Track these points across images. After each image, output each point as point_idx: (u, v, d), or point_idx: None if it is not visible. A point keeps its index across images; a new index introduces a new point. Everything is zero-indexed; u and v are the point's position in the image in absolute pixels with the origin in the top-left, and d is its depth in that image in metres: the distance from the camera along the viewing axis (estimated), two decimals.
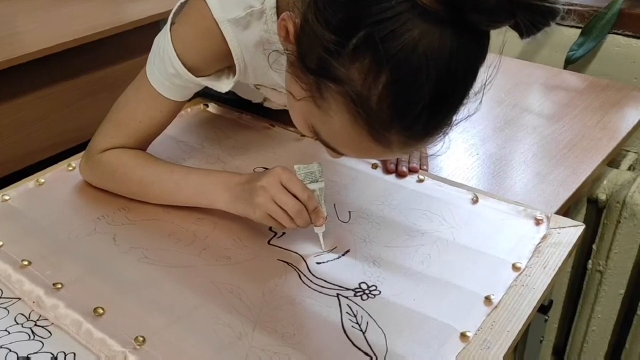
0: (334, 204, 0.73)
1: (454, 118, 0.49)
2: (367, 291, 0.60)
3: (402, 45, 0.44)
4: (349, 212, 0.72)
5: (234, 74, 0.68)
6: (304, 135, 0.83)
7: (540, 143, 0.88)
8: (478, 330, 0.56)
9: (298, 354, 0.53)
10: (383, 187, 0.76)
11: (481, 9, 0.43)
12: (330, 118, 0.50)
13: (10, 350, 0.54)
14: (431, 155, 0.81)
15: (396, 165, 0.79)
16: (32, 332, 0.56)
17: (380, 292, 0.60)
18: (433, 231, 0.68)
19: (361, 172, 0.79)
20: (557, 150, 0.86)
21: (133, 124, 0.71)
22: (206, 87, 0.71)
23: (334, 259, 0.65)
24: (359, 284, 0.61)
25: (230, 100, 0.93)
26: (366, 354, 0.54)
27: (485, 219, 0.70)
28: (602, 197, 0.97)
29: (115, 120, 0.72)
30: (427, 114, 0.47)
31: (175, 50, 0.65)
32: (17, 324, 0.57)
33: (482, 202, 0.73)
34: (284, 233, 0.68)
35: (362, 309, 0.58)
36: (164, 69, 0.67)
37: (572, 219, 0.71)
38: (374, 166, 0.80)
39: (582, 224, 0.68)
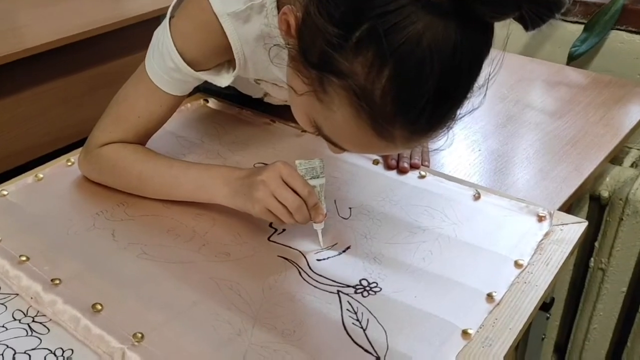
0: (335, 200, 0.72)
1: (458, 112, 0.49)
2: (367, 288, 0.60)
3: (406, 38, 0.43)
4: (350, 208, 0.71)
5: (234, 68, 0.68)
6: (304, 131, 0.82)
7: (543, 139, 0.87)
8: (480, 327, 0.55)
9: (298, 351, 0.53)
10: (384, 183, 0.76)
11: (486, 0, 0.42)
12: (333, 113, 0.49)
13: (7, 347, 0.54)
14: (434, 150, 0.81)
15: (397, 161, 0.78)
16: (30, 328, 0.56)
17: (381, 289, 0.60)
18: (435, 228, 0.68)
19: (362, 168, 0.78)
20: (559, 146, 0.85)
21: (132, 118, 0.70)
22: (206, 82, 0.70)
23: (335, 256, 0.64)
24: (360, 281, 0.61)
25: (230, 95, 0.93)
26: (367, 351, 0.53)
27: (488, 216, 0.70)
28: (605, 194, 0.96)
29: (114, 114, 0.71)
30: (431, 107, 0.46)
31: (174, 44, 0.65)
32: (15, 320, 0.56)
33: (484, 199, 0.72)
34: (284, 230, 0.68)
35: (363, 305, 0.58)
36: (163, 63, 0.66)
37: (575, 216, 0.70)
38: (375, 162, 0.79)
39: (585, 220, 0.68)
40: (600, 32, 1.14)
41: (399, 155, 0.79)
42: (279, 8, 0.62)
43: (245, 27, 0.64)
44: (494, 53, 0.49)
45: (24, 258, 0.62)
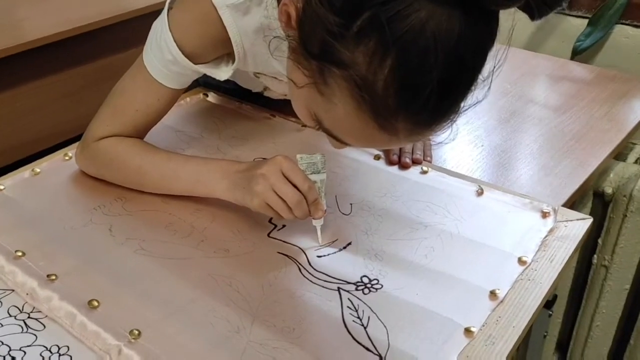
0: (335, 196, 0.71)
1: (462, 105, 0.48)
2: (368, 285, 0.59)
3: (409, 27, 0.42)
4: (351, 204, 0.70)
5: (233, 61, 0.67)
6: (305, 126, 0.81)
7: (547, 135, 0.86)
8: (483, 325, 0.54)
9: (297, 349, 0.52)
10: (386, 179, 0.75)
11: None
12: (334, 105, 0.48)
13: (2, 343, 0.53)
14: (438, 143, 0.79)
15: (399, 157, 0.77)
16: (26, 324, 0.55)
17: (382, 286, 0.59)
18: (437, 224, 0.67)
19: (363, 163, 0.78)
20: (563, 142, 0.84)
21: (130, 112, 0.69)
22: (205, 76, 0.69)
23: (335, 252, 0.63)
24: (361, 278, 0.60)
25: (230, 89, 0.92)
26: (368, 349, 0.52)
27: (491, 212, 0.69)
28: (609, 190, 0.95)
29: (112, 107, 0.71)
30: (435, 99, 0.45)
31: (172, 36, 0.64)
32: (10, 316, 0.56)
33: (487, 194, 0.71)
34: (284, 225, 0.67)
35: (364, 303, 0.57)
36: (161, 55, 0.65)
37: (577, 212, 0.70)
38: (377, 157, 0.78)
39: (589, 217, 0.67)
40: (605, 27, 1.13)
41: (400, 150, 0.78)
42: (278, 0, 0.61)
43: (245, 19, 0.63)
44: (497, 47, 0.47)
45: (19, 253, 0.61)
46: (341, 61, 0.45)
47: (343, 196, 0.71)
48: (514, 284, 0.58)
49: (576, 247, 0.63)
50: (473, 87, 0.47)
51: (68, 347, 0.53)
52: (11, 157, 1.11)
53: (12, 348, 0.52)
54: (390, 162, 0.77)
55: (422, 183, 0.74)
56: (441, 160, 0.80)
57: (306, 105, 0.52)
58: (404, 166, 0.76)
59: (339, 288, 0.59)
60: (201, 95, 0.93)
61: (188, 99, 0.92)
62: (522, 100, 0.95)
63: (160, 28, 0.65)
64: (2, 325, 0.54)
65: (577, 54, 1.15)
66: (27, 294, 0.57)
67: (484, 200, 0.71)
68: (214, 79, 0.69)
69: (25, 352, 0.52)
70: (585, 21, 1.15)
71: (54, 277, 0.58)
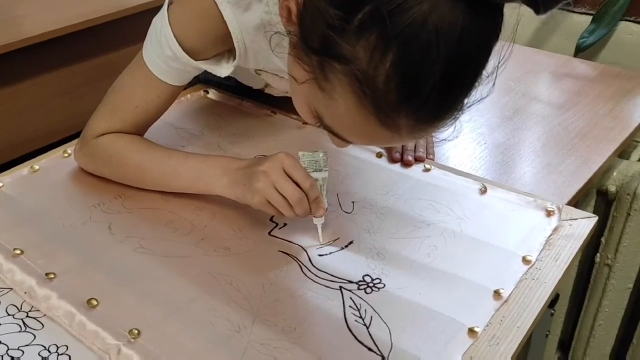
0: (337, 194, 0.70)
1: (466, 101, 0.47)
2: (371, 284, 0.58)
3: (411, 20, 0.41)
4: (353, 202, 0.70)
5: (234, 58, 0.66)
6: (306, 123, 0.81)
7: (550, 132, 0.85)
8: (487, 325, 0.53)
9: (299, 349, 0.51)
10: (388, 177, 0.74)
11: None
12: (335, 101, 0.47)
13: (0, 343, 0.52)
14: (441, 141, 0.79)
15: (402, 154, 0.77)
16: (24, 323, 0.54)
17: (384, 285, 0.58)
18: (440, 222, 0.66)
19: (365, 161, 0.77)
20: (567, 140, 0.84)
21: (129, 108, 0.69)
22: (206, 73, 0.68)
23: (337, 251, 0.62)
24: (363, 277, 0.59)
25: (230, 86, 0.91)
26: (370, 349, 0.52)
27: (494, 210, 0.68)
28: (612, 188, 0.95)
29: (111, 104, 0.70)
30: (438, 94, 0.44)
31: (172, 32, 0.63)
32: (8, 315, 0.55)
33: (491, 193, 0.71)
34: (285, 224, 0.66)
35: (366, 302, 0.56)
36: (161, 51, 0.65)
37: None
38: (379, 155, 0.78)
39: (594, 215, 0.66)
40: (609, 23, 1.12)
41: (403, 148, 0.77)
42: None
43: (246, 15, 0.62)
44: (501, 44, 0.46)
45: (18, 251, 0.61)
46: (342, 56, 0.44)
47: (345, 194, 0.71)
48: (518, 284, 0.58)
49: (581, 246, 0.63)
50: (477, 83, 0.46)
51: (67, 346, 0.52)
52: (10, 155, 1.10)
53: (10, 347, 0.52)
54: (392, 160, 0.77)
55: (424, 181, 0.73)
56: (444, 158, 0.79)
57: (307, 102, 0.52)
58: (406, 164, 0.76)
59: (340, 287, 0.58)
60: (202, 92, 0.92)
61: (188, 95, 0.91)
62: (526, 98, 0.95)
63: (160, 24, 0.64)
64: (0, 324, 0.54)
65: (581, 51, 1.15)
66: (25, 292, 0.57)
67: (488, 199, 0.70)
68: (214, 75, 0.68)
69: (23, 352, 0.52)
70: (589, 18, 1.14)
71: (52, 276, 0.58)
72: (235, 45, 0.64)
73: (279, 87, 0.79)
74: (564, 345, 1.12)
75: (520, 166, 0.78)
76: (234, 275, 0.59)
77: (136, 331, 0.52)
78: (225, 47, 0.66)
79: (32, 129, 1.17)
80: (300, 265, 0.61)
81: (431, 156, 0.78)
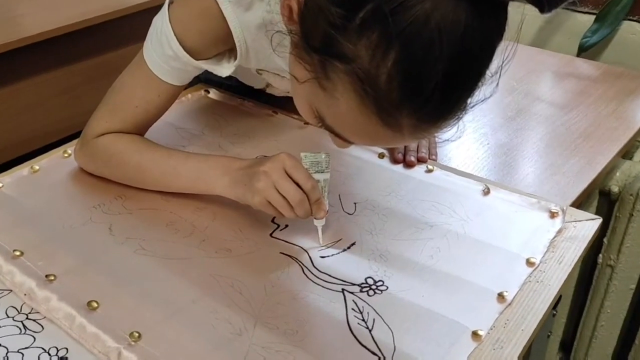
0: (339, 195, 0.70)
1: (469, 100, 0.46)
2: (373, 286, 0.58)
3: (413, 18, 0.41)
4: (355, 203, 0.69)
5: (235, 57, 0.65)
6: (307, 123, 0.80)
7: (553, 133, 0.85)
8: (490, 329, 0.53)
9: (301, 352, 0.51)
10: (390, 177, 0.73)
11: None
12: (336, 100, 0.47)
13: (0, 345, 0.52)
14: (444, 141, 0.78)
15: (404, 155, 0.76)
16: (24, 325, 0.54)
17: (387, 287, 0.57)
18: (442, 224, 0.66)
19: (367, 162, 0.76)
20: (570, 140, 0.83)
21: (129, 108, 0.68)
22: (207, 72, 0.68)
23: (339, 253, 0.62)
24: (365, 279, 0.58)
25: (231, 86, 0.90)
26: (373, 352, 0.51)
27: (497, 212, 0.67)
28: (615, 189, 0.94)
29: (111, 104, 0.69)
30: (440, 93, 0.43)
31: (173, 31, 0.62)
32: (8, 317, 0.55)
33: (494, 194, 0.70)
34: (286, 225, 0.65)
35: (369, 305, 0.55)
36: (162, 51, 0.64)
37: (584, 211, 0.68)
38: (381, 156, 0.77)
39: (599, 217, 0.66)
40: (612, 23, 1.11)
41: (405, 148, 0.76)
42: None
43: (247, 15, 0.62)
44: (505, 43, 0.46)
45: (17, 253, 0.60)
46: (343, 54, 0.44)
47: (347, 195, 0.70)
48: (522, 286, 0.57)
49: (585, 248, 0.62)
50: (480, 83, 0.46)
51: (67, 349, 0.52)
52: (10, 154, 1.10)
53: (10, 350, 0.51)
54: (394, 161, 0.76)
55: (427, 182, 0.73)
56: (446, 159, 0.79)
57: (308, 101, 0.51)
58: (408, 165, 0.75)
59: (343, 289, 0.57)
60: (202, 92, 0.92)
61: (189, 95, 0.91)
62: (529, 98, 0.94)
63: (160, 23, 0.64)
64: (0, 327, 0.54)
65: (584, 51, 1.14)
66: (25, 294, 0.56)
67: (491, 200, 0.69)
68: (215, 75, 0.68)
69: (23, 354, 0.51)
70: (592, 17, 1.14)
71: (52, 278, 0.57)
72: (237, 44, 0.64)
73: (280, 87, 0.78)
74: (566, 346, 1.11)
75: (524, 167, 0.78)
76: (235, 277, 0.58)
77: (137, 334, 0.52)
78: (226, 47, 0.66)
79: (31, 128, 1.16)
80: (302, 267, 0.60)
81: (434, 157, 0.78)
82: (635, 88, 0.96)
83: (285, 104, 0.84)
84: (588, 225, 0.65)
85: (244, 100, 0.89)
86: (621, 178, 0.94)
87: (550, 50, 1.13)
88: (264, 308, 0.55)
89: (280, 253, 0.62)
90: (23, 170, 0.74)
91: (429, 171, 0.74)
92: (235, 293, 0.57)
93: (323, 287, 0.58)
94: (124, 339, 0.51)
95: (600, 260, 1.00)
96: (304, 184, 0.58)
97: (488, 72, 0.46)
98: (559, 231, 0.64)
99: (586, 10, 1.16)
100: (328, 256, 0.61)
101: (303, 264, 0.60)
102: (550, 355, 1.10)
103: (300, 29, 0.47)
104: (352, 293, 0.57)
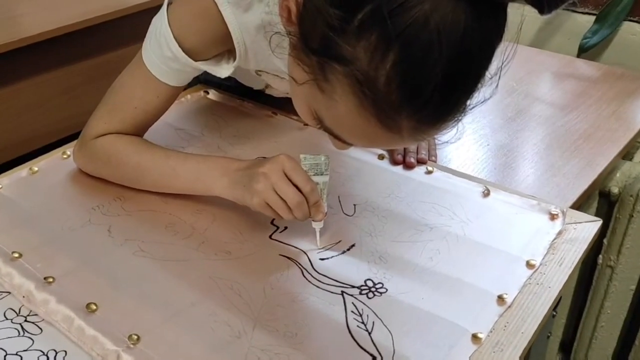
0: (339, 196, 0.70)
1: (468, 102, 0.46)
2: (373, 289, 0.57)
3: (412, 20, 0.40)
4: (354, 205, 0.69)
5: (234, 58, 0.65)
6: (307, 124, 0.80)
7: (554, 134, 0.85)
8: (490, 331, 0.53)
9: (300, 354, 0.51)
10: (390, 179, 0.73)
11: None
12: (335, 102, 0.46)
13: None
14: (443, 143, 0.78)
15: (404, 156, 0.76)
16: (22, 328, 0.54)
17: (387, 289, 0.57)
18: (442, 225, 0.65)
19: (367, 163, 0.76)
20: (571, 141, 0.83)
21: (128, 109, 0.68)
22: (206, 73, 0.68)
23: (338, 254, 0.62)
24: (365, 281, 0.58)
25: (231, 87, 0.90)
26: (372, 355, 0.51)
27: (497, 213, 0.67)
28: (615, 190, 0.94)
29: (110, 104, 0.69)
30: (439, 95, 0.43)
31: (172, 32, 0.62)
32: (7, 319, 0.54)
33: (494, 195, 0.70)
34: (286, 227, 0.65)
35: (368, 307, 0.55)
36: (161, 51, 0.64)
37: (583, 212, 0.68)
38: (381, 157, 0.77)
39: (599, 219, 0.66)
40: (612, 24, 1.11)
41: (405, 149, 0.76)
42: None
43: (246, 16, 0.62)
44: (504, 44, 0.46)
45: (16, 255, 0.60)
46: (342, 56, 0.43)
47: (346, 197, 0.70)
48: (522, 289, 0.57)
49: (585, 250, 0.62)
50: (480, 84, 0.46)
51: (65, 352, 0.51)
52: (8, 155, 1.09)
53: (8, 352, 0.51)
54: (394, 162, 0.76)
55: (427, 183, 0.72)
56: (446, 160, 0.79)
57: (307, 103, 0.51)
58: (408, 166, 0.75)
59: (342, 292, 0.57)
60: (202, 93, 0.92)
61: (188, 96, 0.90)
62: (529, 99, 0.94)
63: (159, 24, 0.63)
64: None
65: (584, 52, 1.14)
66: (23, 296, 0.56)
67: (491, 202, 0.69)
68: (214, 76, 0.68)
69: (21, 357, 0.51)
70: (592, 18, 1.13)
71: (51, 280, 0.57)
72: (236, 45, 0.64)
73: (279, 88, 0.78)
74: (566, 347, 1.11)
75: (524, 168, 0.78)
76: (234, 279, 0.58)
77: (135, 336, 0.51)
78: (225, 48, 0.66)
79: (31, 128, 1.16)
80: (301, 270, 0.60)
81: (433, 158, 0.77)
82: (635, 89, 0.96)
83: (284, 105, 0.84)
84: (588, 227, 0.64)
85: (244, 101, 0.89)
86: (621, 179, 0.94)
87: (550, 51, 1.13)
88: (263, 310, 0.55)
89: (280, 255, 0.62)
90: (22, 171, 0.74)
91: (429, 172, 0.74)
92: (235, 295, 0.56)
93: (322, 289, 0.57)
94: (122, 341, 0.51)
95: (600, 261, 1.00)
96: (302, 186, 0.58)
97: (487, 73, 0.46)
98: (559, 233, 0.64)
99: (586, 10, 1.15)
100: (327, 258, 0.61)
101: (302, 266, 0.60)
102: (550, 355, 1.10)
103: (298, 31, 0.47)
104: (351, 295, 0.57)
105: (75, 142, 0.73)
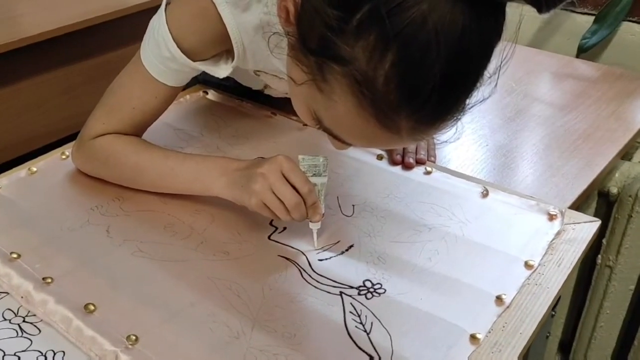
0: (337, 197, 0.70)
1: (467, 102, 0.46)
2: (371, 289, 0.57)
3: (410, 20, 0.40)
4: (353, 205, 0.69)
5: (233, 58, 0.65)
6: (306, 125, 0.80)
7: (553, 134, 0.85)
8: (489, 332, 0.53)
9: (298, 355, 0.51)
10: (389, 179, 0.73)
11: None
12: (334, 103, 0.46)
13: None
14: (443, 142, 0.78)
15: (402, 157, 0.76)
16: (21, 328, 0.54)
17: (385, 290, 0.57)
18: (441, 226, 0.65)
19: (366, 164, 0.76)
20: (570, 141, 0.83)
21: (126, 109, 0.68)
22: (205, 74, 0.67)
23: (337, 255, 0.62)
24: (363, 282, 0.58)
25: (230, 87, 0.90)
26: (370, 356, 0.51)
27: (496, 214, 0.67)
28: (614, 190, 0.94)
29: (109, 105, 0.69)
30: (438, 95, 0.43)
31: (170, 32, 0.62)
32: (5, 319, 0.54)
33: (493, 196, 0.70)
34: (284, 228, 0.65)
35: (367, 308, 0.55)
36: (159, 52, 0.64)
37: (582, 213, 0.68)
38: (380, 157, 0.77)
39: (597, 219, 0.66)
40: (611, 24, 1.11)
41: (404, 150, 0.76)
42: None
43: (244, 16, 0.62)
44: (503, 44, 0.46)
45: (15, 255, 0.60)
46: (340, 57, 0.43)
47: (345, 197, 0.70)
48: (521, 289, 0.57)
49: (584, 250, 0.62)
50: (478, 84, 0.46)
51: (64, 352, 0.51)
52: (10, 154, 1.09)
53: (6, 353, 0.51)
54: (393, 162, 0.76)
55: (426, 184, 0.72)
56: (445, 160, 0.79)
57: (306, 103, 0.51)
58: (407, 166, 0.75)
59: (341, 292, 0.57)
60: (201, 93, 0.92)
61: (188, 96, 0.90)
62: (528, 99, 0.94)
63: (157, 24, 0.63)
64: None
65: (583, 52, 1.14)
66: (22, 297, 0.56)
67: (489, 202, 0.69)
68: (213, 76, 0.68)
69: (19, 357, 0.51)
70: (591, 18, 1.13)
71: (49, 280, 0.57)
72: (234, 46, 0.64)
73: (278, 88, 0.78)
74: (565, 347, 1.11)
75: (523, 168, 0.78)
76: (233, 280, 0.58)
77: (134, 337, 0.51)
78: (223, 48, 0.66)
79: (31, 129, 1.16)
80: (300, 270, 0.60)
81: (432, 158, 0.77)
82: (634, 89, 0.96)
83: (283, 105, 0.84)
84: (587, 227, 0.64)
85: (243, 101, 0.89)
86: (620, 179, 0.94)
87: (549, 51, 1.13)
88: (262, 311, 0.55)
89: (279, 256, 0.62)
90: (20, 171, 0.74)
91: (428, 173, 0.74)
92: (233, 296, 0.56)
93: (321, 290, 0.57)
94: (121, 342, 0.51)
95: (599, 261, 1.00)
96: (300, 187, 0.58)
97: (486, 73, 0.46)
98: (558, 233, 0.64)
99: (585, 11, 1.15)
100: (326, 259, 0.61)
101: (301, 267, 0.60)
102: (549, 355, 1.10)
103: (297, 31, 0.47)
104: (350, 296, 0.57)
105: (73, 142, 0.73)
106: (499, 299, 0.56)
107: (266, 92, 0.84)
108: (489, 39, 0.44)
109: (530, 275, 0.59)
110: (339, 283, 0.58)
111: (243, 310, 0.55)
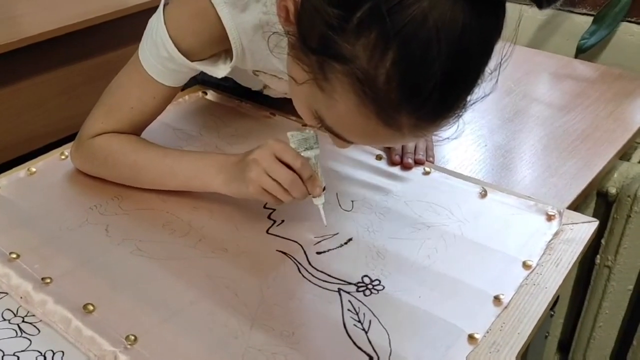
0: (337, 193, 0.70)
1: (468, 99, 0.46)
2: (370, 286, 0.58)
3: (411, 18, 0.40)
4: (352, 201, 0.69)
5: (231, 58, 0.65)
6: (306, 125, 0.80)
7: (551, 135, 0.85)
8: (487, 332, 0.53)
9: (297, 353, 0.51)
10: (387, 179, 0.73)
11: None
12: (335, 101, 0.47)
13: None
14: (443, 140, 0.78)
15: (401, 157, 0.76)
16: (20, 328, 0.54)
17: (384, 287, 0.57)
18: (440, 225, 0.66)
19: (365, 164, 0.76)
20: (568, 142, 0.83)
21: (125, 109, 0.68)
22: (204, 74, 0.68)
23: (336, 248, 0.62)
24: (362, 278, 0.58)
25: (229, 87, 0.90)
26: (368, 354, 0.51)
27: (494, 214, 0.67)
28: (612, 190, 0.94)
29: (107, 105, 0.69)
30: (439, 92, 0.43)
31: (168, 33, 0.62)
32: (4, 320, 0.54)
33: (491, 196, 0.70)
34: (283, 220, 0.65)
35: (365, 305, 0.55)
36: (157, 52, 0.64)
37: (581, 213, 0.68)
38: (378, 157, 0.77)
39: (595, 219, 0.66)
40: (610, 24, 1.11)
41: (402, 150, 0.76)
42: None
43: (243, 16, 0.62)
44: (502, 42, 0.46)
45: (14, 255, 0.60)
46: (341, 55, 0.44)
47: (344, 193, 0.70)
48: (519, 289, 0.57)
49: (582, 251, 0.62)
50: (479, 81, 0.46)
51: (63, 352, 0.52)
52: (10, 154, 1.09)
53: (5, 353, 0.51)
54: (392, 163, 0.76)
55: (424, 184, 0.72)
56: (444, 161, 0.79)
57: (307, 103, 0.51)
58: (406, 167, 0.75)
59: (339, 289, 0.57)
60: (200, 93, 0.92)
61: (187, 96, 0.90)
62: (526, 99, 0.94)
63: (156, 24, 0.64)
64: None
65: (582, 52, 1.14)
66: (21, 297, 0.56)
67: (488, 202, 0.69)
68: (212, 76, 0.68)
69: (19, 357, 0.51)
70: (590, 19, 1.13)
71: (48, 281, 0.57)
72: (232, 46, 0.64)
73: (277, 88, 0.78)
74: (564, 347, 1.11)
75: (521, 169, 0.78)
76: (231, 277, 0.58)
77: (133, 337, 0.52)
78: (222, 48, 0.66)
79: (31, 128, 1.16)
80: (298, 266, 0.60)
81: (431, 159, 0.77)
82: (633, 90, 0.96)
83: (283, 106, 0.84)
84: (585, 227, 0.64)
85: (242, 101, 0.89)
86: (619, 179, 0.94)
87: (548, 51, 1.13)
88: (260, 309, 0.55)
89: (277, 251, 0.62)
90: (20, 172, 0.74)
91: (426, 173, 0.74)
92: (232, 294, 0.57)
93: (319, 286, 0.58)
94: (120, 342, 0.51)
95: (597, 261, 1.00)
96: (293, 163, 0.58)
97: (487, 69, 0.46)
98: (556, 234, 0.64)
99: (584, 11, 1.15)
100: (324, 252, 0.61)
101: (299, 263, 0.60)
102: (548, 355, 1.10)
103: (297, 30, 0.47)
104: (348, 293, 0.57)
105: (72, 142, 0.74)
106: (497, 299, 0.56)
107: (265, 92, 0.84)
108: (489, 36, 0.44)
109: (528, 275, 0.59)
110: (337, 279, 0.58)
111: (241, 309, 0.55)
